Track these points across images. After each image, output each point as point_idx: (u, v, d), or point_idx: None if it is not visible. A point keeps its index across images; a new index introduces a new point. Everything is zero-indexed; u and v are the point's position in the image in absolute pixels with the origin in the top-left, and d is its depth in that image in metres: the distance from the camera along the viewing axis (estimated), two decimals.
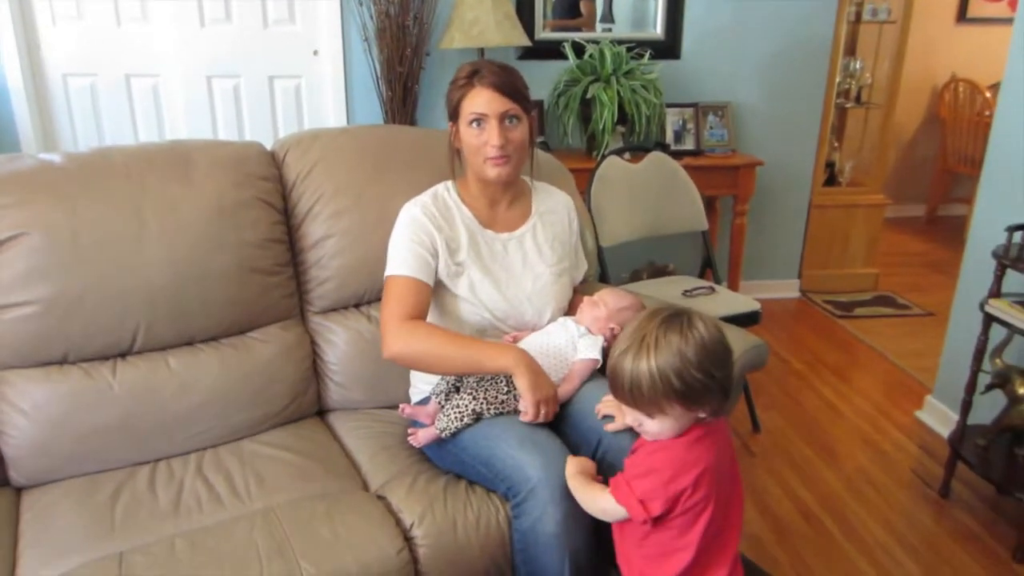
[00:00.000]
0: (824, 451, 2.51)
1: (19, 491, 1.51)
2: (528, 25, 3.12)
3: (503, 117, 1.52)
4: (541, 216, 1.72)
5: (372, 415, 1.79)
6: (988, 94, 4.61)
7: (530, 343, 1.60)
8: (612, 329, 1.61)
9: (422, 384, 1.71)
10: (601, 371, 1.51)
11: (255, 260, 1.66)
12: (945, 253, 4.61)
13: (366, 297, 1.83)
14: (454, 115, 1.58)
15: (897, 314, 3.65)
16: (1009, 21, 5.02)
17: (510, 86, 1.53)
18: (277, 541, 1.30)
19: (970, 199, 4.89)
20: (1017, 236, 2.04)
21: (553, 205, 1.75)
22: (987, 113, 4.61)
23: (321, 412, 1.83)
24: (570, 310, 1.73)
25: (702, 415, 1.20)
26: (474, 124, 1.53)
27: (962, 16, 4.90)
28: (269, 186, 1.72)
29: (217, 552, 1.28)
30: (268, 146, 1.83)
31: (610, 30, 3.35)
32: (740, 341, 1.70)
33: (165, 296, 1.56)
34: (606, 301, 1.63)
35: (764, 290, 3.71)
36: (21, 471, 1.50)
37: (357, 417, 1.78)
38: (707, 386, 1.16)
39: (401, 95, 3.00)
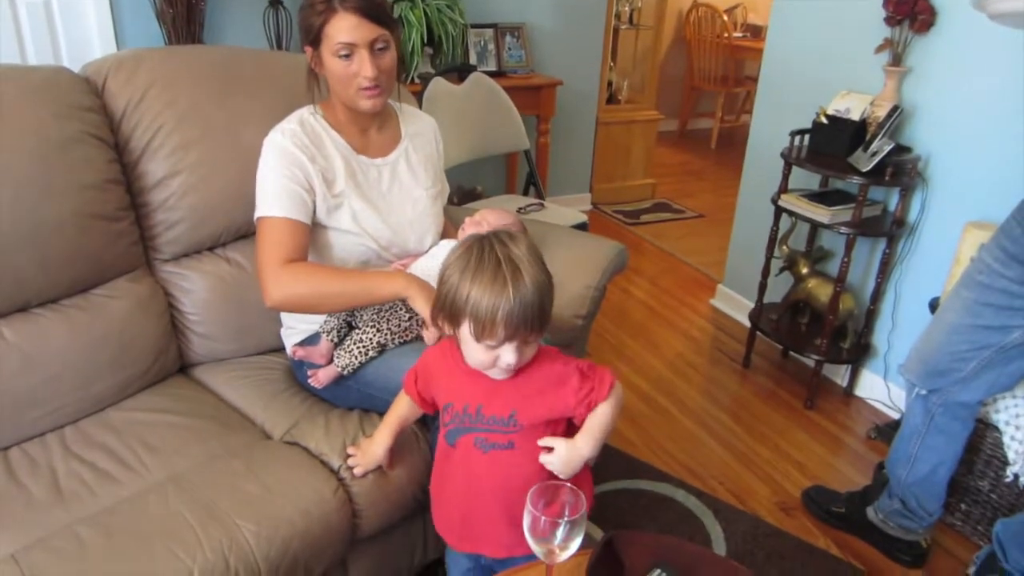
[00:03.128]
0: (646, 342, 2.81)
1: None
2: None
3: (372, 44, 1.43)
4: (412, 139, 1.67)
5: (245, 364, 1.67)
6: (725, 17, 5.20)
7: (418, 268, 1.58)
8: None
9: (301, 324, 1.63)
10: None
11: (95, 205, 1.43)
12: (700, 162, 5.22)
13: (223, 238, 1.67)
14: (315, 41, 1.46)
15: (675, 218, 4.10)
16: None
17: (376, 8, 1.43)
18: (204, 506, 1.19)
19: (714, 113, 5.56)
20: (796, 140, 2.39)
21: (420, 128, 1.72)
22: (725, 35, 5.22)
23: (184, 368, 1.66)
24: (444, 234, 1.73)
25: None
26: (342, 54, 1.43)
27: None
28: (95, 118, 1.47)
29: (137, 530, 1.14)
30: None
31: None
32: (604, 247, 1.84)
33: None
34: (488, 219, 1.66)
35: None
36: None
37: (230, 368, 1.65)
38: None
39: (185, 14, 2.66)
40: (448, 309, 1.06)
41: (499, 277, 1.01)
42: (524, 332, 1.03)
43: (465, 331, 1.05)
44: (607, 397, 1.12)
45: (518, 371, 1.11)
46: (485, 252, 1.04)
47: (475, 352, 1.07)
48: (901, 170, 2.15)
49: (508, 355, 1.05)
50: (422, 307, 1.40)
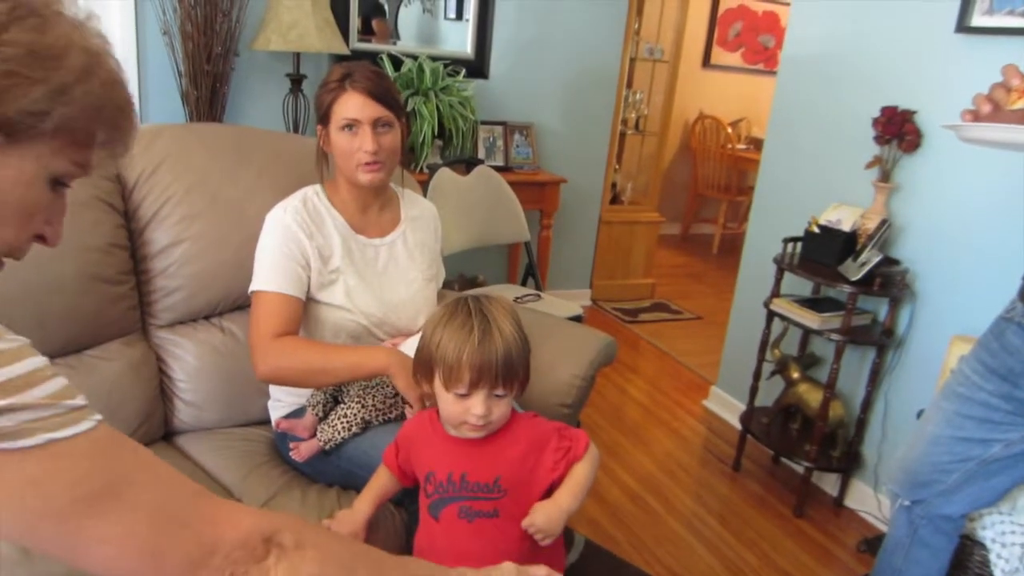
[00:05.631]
0: (636, 440, 2.79)
1: None
2: (342, 34, 3.08)
3: (376, 123, 1.52)
4: (411, 222, 1.73)
5: (229, 434, 1.66)
6: (730, 129, 5.41)
7: (409, 347, 1.60)
8: None
9: (287, 396, 1.64)
10: None
11: (98, 267, 1.48)
12: (701, 266, 5.31)
13: (219, 308, 1.70)
14: (324, 118, 1.55)
15: (672, 318, 4.14)
16: (742, 70, 5.95)
17: (383, 92, 1.54)
18: None
19: (716, 219, 5.70)
20: (789, 246, 2.45)
21: (421, 212, 1.78)
22: (729, 146, 5.41)
23: (167, 435, 1.66)
24: None
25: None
26: (346, 129, 1.51)
27: (706, 62, 5.70)
28: (109, 185, 1.54)
29: None
30: None
31: (394, 44, 3.39)
32: (593, 339, 1.86)
33: None
34: None
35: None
36: None
37: (213, 438, 1.64)
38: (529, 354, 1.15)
39: (208, 95, 2.80)
40: (422, 360, 1.11)
41: (467, 324, 1.08)
42: (490, 380, 1.06)
43: (438, 383, 1.09)
44: (583, 456, 1.14)
45: (500, 434, 1.12)
46: (460, 305, 1.11)
47: (447, 404, 1.10)
48: (889, 281, 2.19)
49: (478, 406, 1.07)
50: (404, 385, 1.42)
